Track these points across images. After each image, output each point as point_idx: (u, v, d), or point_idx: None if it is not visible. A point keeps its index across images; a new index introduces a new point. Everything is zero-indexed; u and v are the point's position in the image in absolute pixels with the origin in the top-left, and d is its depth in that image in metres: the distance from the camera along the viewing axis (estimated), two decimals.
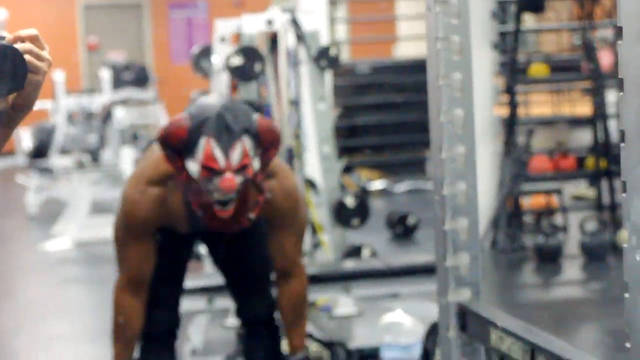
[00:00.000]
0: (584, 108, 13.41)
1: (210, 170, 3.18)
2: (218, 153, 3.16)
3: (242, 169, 3.20)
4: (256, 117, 3.27)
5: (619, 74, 2.08)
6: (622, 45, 2.05)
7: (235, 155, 3.18)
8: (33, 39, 2.14)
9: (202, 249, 5.24)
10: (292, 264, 3.59)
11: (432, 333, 3.72)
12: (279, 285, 3.65)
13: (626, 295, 2.23)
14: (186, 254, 3.72)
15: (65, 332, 6.06)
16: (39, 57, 2.13)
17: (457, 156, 3.11)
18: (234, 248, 3.65)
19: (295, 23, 5.69)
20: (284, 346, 4.13)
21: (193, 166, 3.19)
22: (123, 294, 3.49)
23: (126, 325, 3.49)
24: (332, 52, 5.76)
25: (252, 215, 3.35)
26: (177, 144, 3.19)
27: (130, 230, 3.44)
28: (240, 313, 3.84)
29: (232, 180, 3.17)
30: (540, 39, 18.36)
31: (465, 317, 3.19)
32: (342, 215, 5.71)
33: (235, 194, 3.23)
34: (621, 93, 2.10)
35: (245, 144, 3.19)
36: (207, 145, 3.16)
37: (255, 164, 3.25)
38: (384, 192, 11.14)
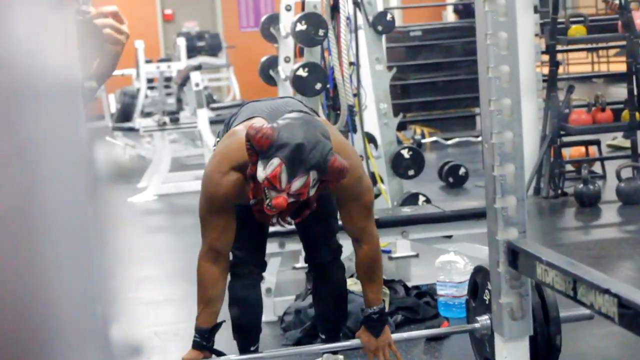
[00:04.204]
0: (619, 65, 13.29)
1: (271, 186, 3.20)
2: (283, 177, 3.18)
3: (297, 195, 3.23)
4: (332, 155, 3.24)
5: None
6: None
7: (297, 184, 3.19)
8: (114, 14, 2.21)
9: None
10: (360, 232, 3.59)
11: (481, 270, 3.77)
12: (354, 247, 3.69)
13: None
14: None
15: (151, 274, 6.19)
16: (118, 31, 2.21)
17: (504, 108, 3.14)
18: None
19: None
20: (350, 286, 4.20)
21: (260, 172, 3.23)
22: (205, 262, 3.56)
23: (206, 289, 3.57)
24: (388, 17, 5.78)
25: (290, 221, 3.40)
26: (256, 148, 3.23)
27: (211, 206, 3.48)
28: (308, 259, 3.92)
29: (284, 200, 3.19)
30: (578, 2, 18.17)
31: (513, 254, 3.24)
32: (399, 167, 5.75)
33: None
34: None
35: (310, 177, 3.21)
36: (278, 166, 3.18)
37: (312, 191, 3.26)
38: (435, 145, 11.15)
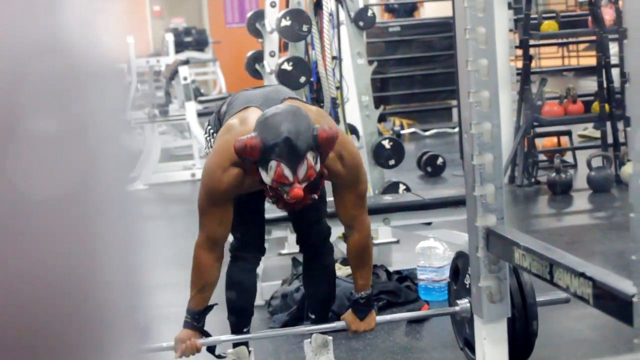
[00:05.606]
0: (588, 59, 13.32)
1: (280, 184, 3.22)
2: (287, 173, 3.19)
3: (307, 178, 3.23)
4: (317, 129, 3.24)
5: (625, 23, 2.10)
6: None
7: (302, 171, 3.20)
8: None
9: None
10: (353, 219, 3.58)
11: (462, 255, 3.77)
12: (346, 235, 3.70)
13: (632, 215, 2.27)
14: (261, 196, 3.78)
15: (146, 259, 6.16)
16: None
17: (483, 99, 3.14)
18: None
19: None
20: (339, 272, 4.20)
21: (265, 177, 3.24)
22: (201, 249, 3.54)
23: (201, 275, 3.56)
24: (369, 13, 5.77)
25: (315, 196, 3.37)
26: (250, 160, 3.23)
27: (211, 200, 3.46)
28: (300, 242, 3.92)
29: (300, 189, 3.20)
30: None
31: (492, 239, 3.24)
32: (380, 157, 5.75)
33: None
34: (626, 41, 2.13)
35: (309, 159, 3.21)
36: (277, 167, 3.19)
37: (317, 166, 3.26)
38: (414, 136, 11.17)
